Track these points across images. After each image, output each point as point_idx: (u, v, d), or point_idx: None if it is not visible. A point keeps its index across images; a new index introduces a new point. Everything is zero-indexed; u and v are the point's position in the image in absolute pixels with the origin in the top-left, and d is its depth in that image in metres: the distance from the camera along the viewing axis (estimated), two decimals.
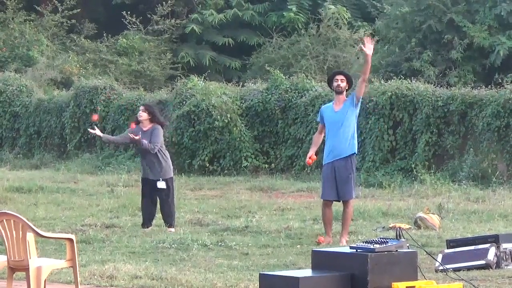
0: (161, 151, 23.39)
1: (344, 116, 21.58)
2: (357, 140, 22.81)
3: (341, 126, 21.62)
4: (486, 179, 31.06)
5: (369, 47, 21.44)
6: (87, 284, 15.91)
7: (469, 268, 17.34)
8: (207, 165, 34.97)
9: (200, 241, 21.56)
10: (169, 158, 23.64)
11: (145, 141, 22.88)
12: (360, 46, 20.39)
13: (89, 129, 23.39)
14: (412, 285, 14.43)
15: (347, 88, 22.21)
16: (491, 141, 32.24)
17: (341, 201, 22.02)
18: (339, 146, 21.67)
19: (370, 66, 22.32)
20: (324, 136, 22.10)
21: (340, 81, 21.95)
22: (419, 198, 27.86)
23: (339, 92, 21.61)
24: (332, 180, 21.78)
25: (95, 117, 22.85)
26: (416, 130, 33.72)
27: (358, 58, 43.84)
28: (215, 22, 51.20)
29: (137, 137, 22.86)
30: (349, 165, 21.86)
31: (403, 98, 34.00)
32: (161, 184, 23.10)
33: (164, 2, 51.45)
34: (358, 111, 22.09)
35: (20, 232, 15.55)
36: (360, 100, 22.19)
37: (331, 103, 22.41)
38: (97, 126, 23.43)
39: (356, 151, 22.25)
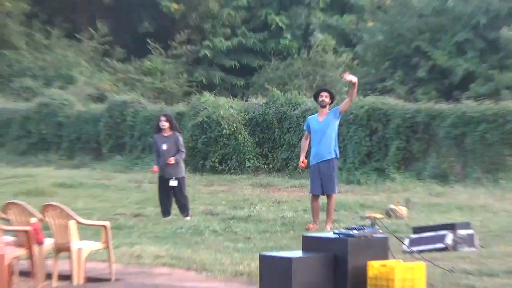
0: (176, 149, 23.52)
1: (327, 126, 21.81)
2: (340, 145, 23.01)
3: (324, 134, 21.86)
4: (445, 178, 31.12)
5: (353, 76, 21.86)
6: (119, 263, 16.01)
7: (431, 250, 17.46)
8: (217, 165, 34.99)
9: (211, 228, 21.69)
10: (182, 160, 23.73)
11: (178, 158, 23.20)
12: (346, 78, 20.55)
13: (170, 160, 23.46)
14: (384, 264, 14.57)
15: (330, 102, 22.48)
16: (450, 146, 32.29)
17: (325, 195, 22.28)
18: (323, 151, 21.88)
19: (357, 90, 22.78)
20: (310, 142, 22.31)
21: (325, 97, 22.27)
22: (390, 193, 27.87)
23: (323, 106, 21.92)
24: (318, 178, 22.04)
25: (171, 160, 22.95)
26: (388, 138, 33.77)
27: (341, 78, 43.94)
28: (223, 48, 51.08)
29: (172, 162, 23.22)
30: (331, 167, 22.07)
31: (378, 111, 34.06)
32: (173, 182, 23.19)
33: (181, 31, 51.37)
34: (339, 121, 22.40)
35: (64, 220, 15.69)
36: (342, 113, 22.64)
37: (316, 114, 22.62)
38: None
39: (337, 155, 22.44)
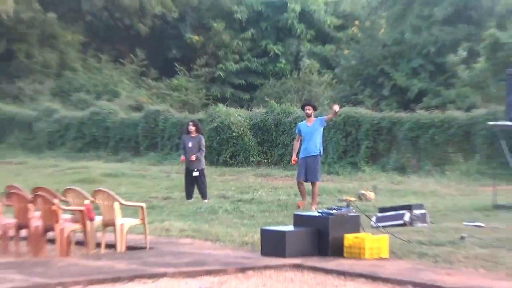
0: (199, 148, 23.52)
1: (314, 130, 21.84)
2: (323, 145, 22.93)
3: (312, 136, 21.88)
4: (404, 170, 31.03)
5: (337, 107, 22.04)
6: (152, 235, 15.94)
7: (392, 226, 17.38)
8: (228, 160, 34.91)
9: (223, 208, 21.61)
10: (203, 156, 23.71)
11: (199, 155, 23.19)
12: (334, 108, 20.73)
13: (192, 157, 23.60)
14: (357, 236, 14.48)
15: (313, 111, 22.53)
16: (407, 145, 32.21)
17: (309, 182, 22.26)
18: (310, 148, 21.87)
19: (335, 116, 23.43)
20: (301, 142, 22.24)
21: (308, 109, 22.34)
22: (361, 181, 27.79)
23: (308, 116, 21.96)
24: (303, 168, 22.10)
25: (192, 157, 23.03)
26: (360, 139, 33.71)
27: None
28: (233, 70, 50.91)
29: (194, 159, 23.24)
30: (316, 161, 22.07)
31: (352, 118, 34.00)
32: (196, 173, 23.18)
33: (201, 57, 51.32)
34: (323, 128, 22.34)
35: (110, 202, 15.61)
36: (325, 122, 22.78)
37: (305, 121, 22.59)
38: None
39: (320, 152, 22.43)
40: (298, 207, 22.16)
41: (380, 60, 43.61)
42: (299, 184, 22.85)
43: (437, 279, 12.40)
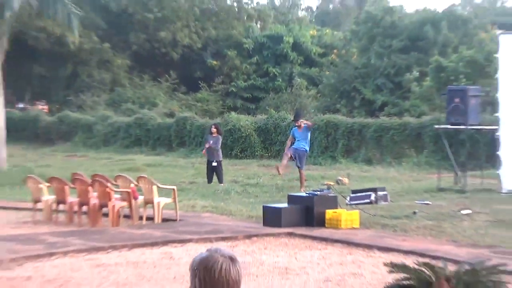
0: (218, 145, 23.49)
1: (303, 134, 21.72)
2: (309, 144, 22.85)
3: (301, 138, 21.80)
4: (370, 162, 30.79)
5: (308, 122, 22.45)
6: (181, 210, 15.86)
7: (362, 203, 17.30)
8: (238, 154, 34.71)
9: (235, 190, 21.50)
10: (220, 151, 23.64)
11: (213, 147, 23.13)
12: (307, 123, 21.03)
13: (206, 145, 23.69)
14: (335, 211, 14.43)
15: (301, 123, 22.58)
16: (373, 143, 32.00)
17: (297, 167, 22.27)
18: (299, 146, 21.73)
19: (312, 125, 23.88)
20: (293, 141, 22.18)
21: (297, 124, 22.24)
22: (338, 170, 27.64)
23: (298, 127, 21.78)
24: (294, 155, 22.04)
25: (206, 145, 23.18)
26: (337, 138, 33.52)
27: (310, 104, 43.78)
28: (242, 86, 50.59)
29: (207, 146, 23.25)
30: (303, 155, 21.93)
31: (331, 123, 33.82)
32: (214, 164, 23.13)
33: (218, 77, 51.11)
34: (309, 132, 22.27)
35: (150, 185, 15.55)
36: (311, 129, 22.68)
37: (296, 127, 22.54)
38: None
39: (307, 150, 22.37)
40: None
41: (353, 79, 43.45)
42: (285, 155, 22.83)
43: (395, 244, 12.41)
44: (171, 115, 43.42)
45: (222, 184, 22.92)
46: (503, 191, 19.35)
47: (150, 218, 15.43)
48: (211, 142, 23.60)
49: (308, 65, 51.90)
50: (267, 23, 59.47)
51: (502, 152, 19.76)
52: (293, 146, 22.68)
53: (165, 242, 12.57)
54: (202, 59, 53.38)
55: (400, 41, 42.70)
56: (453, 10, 46.83)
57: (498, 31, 23.34)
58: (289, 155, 23.01)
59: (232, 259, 3.37)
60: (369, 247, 12.32)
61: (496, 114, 20.60)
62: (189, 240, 12.84)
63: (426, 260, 8.59)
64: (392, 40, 43.17)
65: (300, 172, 22.32)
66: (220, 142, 24.08)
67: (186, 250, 12.10)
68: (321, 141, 33.99)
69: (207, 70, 52.50)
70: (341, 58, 49.41)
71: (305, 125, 22.75)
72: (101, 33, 50.97)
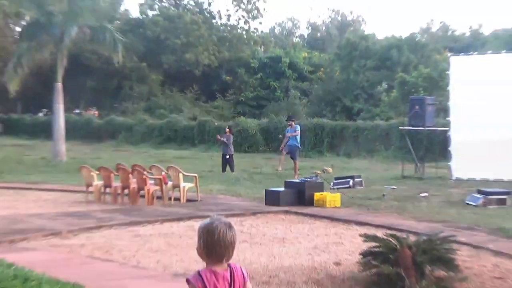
0: (230, 142, 23.42)
1: (293, 132, 21.77)
2: (300, 141, 22.86)
3: (292, 137, 21.89)
4: (350, 155, 30.81)
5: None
6: (201, 193, 15.80)
7: (342, 188, 17.24)
8: (246, 149, 34.71)
9: (243, 177, 21.47)
10: (232, 146, 23.59)
11: (223, 139, 23.12)
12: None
13: (218, 136, 23.83)
14: (321, 194, 14.37)
15: (293, 123, 22.52)
16: (351, 141, 32.03)
17: (292, 159, 22.41)
18: (292, 143, 21.85)
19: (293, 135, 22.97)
20: (287, 139, 22.23)
21: (289, 123, 22.49)
22: (324, 162, 27.53)
23: (290, 125, 21.87)
24: (287, 151, 22.18)
25: (218, 136, 23.38)
26: (324, 137, 33.51)
27: (302, 110, 43.72)
28: (249, 96, 50.51)
29: (221, 139, 23.27)
30: (294, 149, 22.01)
31: (319, 125, 33.85)
32: (227, 156, 23.12)
33: (230, 89, 51.11)
34: (298, 132, 22.59)
35: (177, 173, 15.49)
36: (298, 131, 22.93)
37: (289, 127, 22.53)
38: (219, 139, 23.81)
39: (299, 146, 22.46)
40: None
41: (336, 91, 43.40)
42: (281, 154, 23.49)
43: (368, 219, 12.36)
44: (194, 118, 43.40)
45: (233, 173, 22.87)
46: (453, 178, 19.41)
47: (177, 199, 15.42)
48: (225, 139, 23.62)
49: (301, 80, 51.79)
50: (268, 47, 59.47)
51: (452, 148, 19.82)
52: (288, 144, 22.74)
53: (189, 218, 12.54)
54: (218, 75, 53.31)
55: (372, 61, 42.66)
56: (413, 37, 46.95)
57: (449, 54, 23.82)
58: (284, 153, 23.14)
59: (229, 226, 3.57)
60: (348, 222, 12.28)
61: (448, 118, 20.65)
62: (208, 216, 12.83)
63: (393, 232, 8.56)
64: (366, 60, 43.12)
65: (294, 163, 22.32)
66: (232, 139, 24.05)
67: None
68: (311, 139, 33.99)
69: (222, 84, 52.46)
70: (326, 75, 49.33)
71: (296, 125, 22.89)
72: (139, 55, 51.00)
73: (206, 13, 57.12)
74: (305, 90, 50.21)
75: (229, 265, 3.56)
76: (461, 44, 51.25)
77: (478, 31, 56.38)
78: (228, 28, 58.07)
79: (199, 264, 4.10)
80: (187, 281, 3.64)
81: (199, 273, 3.54)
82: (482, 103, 18.85)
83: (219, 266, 3.52)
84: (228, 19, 58.06)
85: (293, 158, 22.53)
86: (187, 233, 11.09)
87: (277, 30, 72.60)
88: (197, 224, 12.08)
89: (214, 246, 3.51)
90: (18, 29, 31.56)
